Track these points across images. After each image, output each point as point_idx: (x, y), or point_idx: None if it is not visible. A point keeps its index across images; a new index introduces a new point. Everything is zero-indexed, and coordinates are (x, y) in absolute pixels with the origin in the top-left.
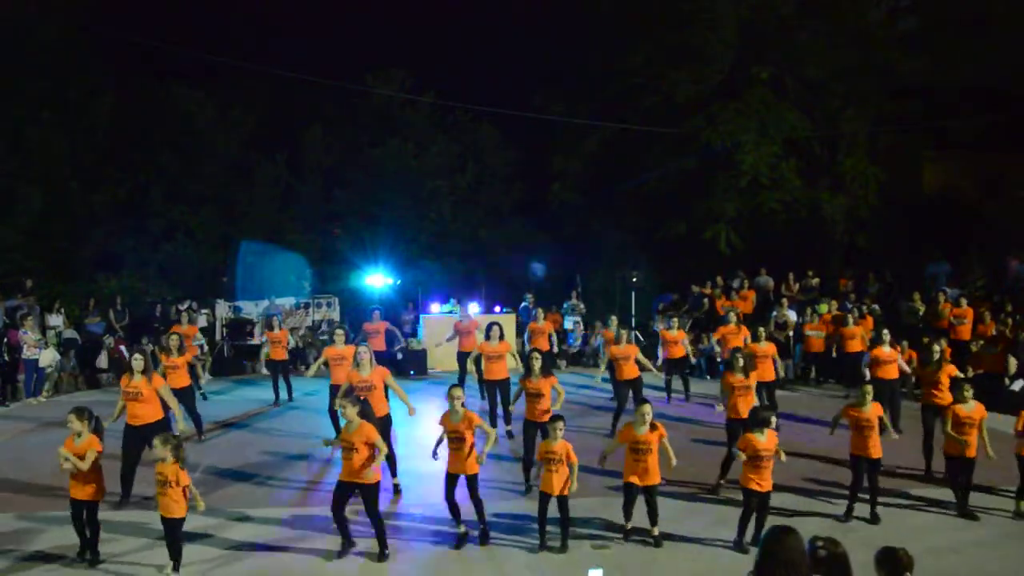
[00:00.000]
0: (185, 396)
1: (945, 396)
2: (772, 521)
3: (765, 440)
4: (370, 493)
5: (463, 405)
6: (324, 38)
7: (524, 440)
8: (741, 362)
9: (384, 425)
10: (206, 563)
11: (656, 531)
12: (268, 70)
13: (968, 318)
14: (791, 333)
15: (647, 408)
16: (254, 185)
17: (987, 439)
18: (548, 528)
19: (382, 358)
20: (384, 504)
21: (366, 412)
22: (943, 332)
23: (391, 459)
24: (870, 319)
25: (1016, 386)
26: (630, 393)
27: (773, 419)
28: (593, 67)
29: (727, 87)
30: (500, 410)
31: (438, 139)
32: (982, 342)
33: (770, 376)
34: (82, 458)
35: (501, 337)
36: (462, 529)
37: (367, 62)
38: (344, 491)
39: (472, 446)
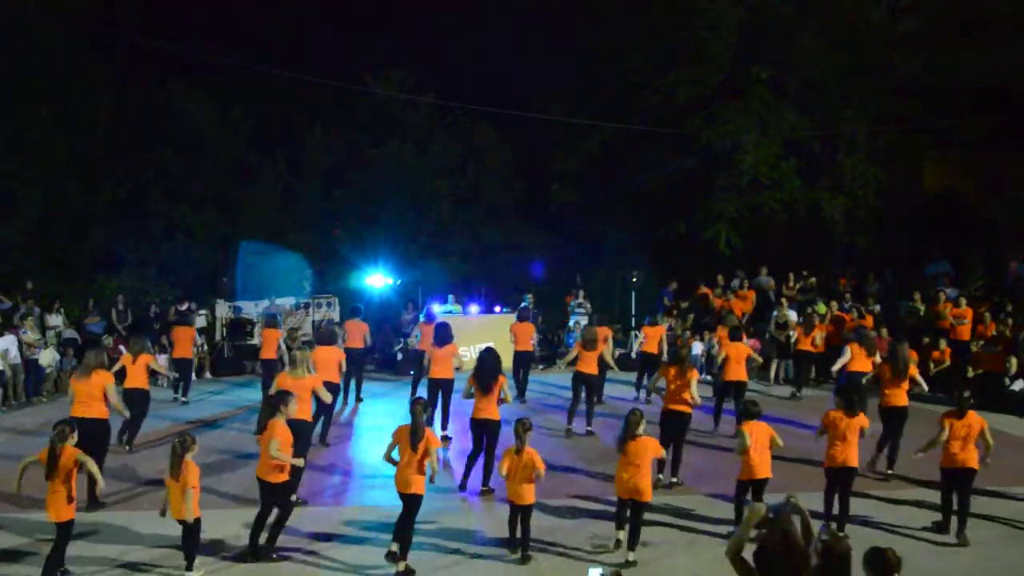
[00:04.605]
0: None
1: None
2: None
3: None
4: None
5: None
6: (324, 38)
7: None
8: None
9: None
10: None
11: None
12: (268, 70)
13: (968, 318)
14: (791, 333)
15: None
16: (254, 185)
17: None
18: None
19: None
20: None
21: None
22: (943, 332)
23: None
24: (870, 319)
25: (1016, 386)
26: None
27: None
28: (593, 67)
29: (727, 87)
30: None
31: (438, 139)
32: (982, 342)
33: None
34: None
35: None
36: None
37: (367, 62)
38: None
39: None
